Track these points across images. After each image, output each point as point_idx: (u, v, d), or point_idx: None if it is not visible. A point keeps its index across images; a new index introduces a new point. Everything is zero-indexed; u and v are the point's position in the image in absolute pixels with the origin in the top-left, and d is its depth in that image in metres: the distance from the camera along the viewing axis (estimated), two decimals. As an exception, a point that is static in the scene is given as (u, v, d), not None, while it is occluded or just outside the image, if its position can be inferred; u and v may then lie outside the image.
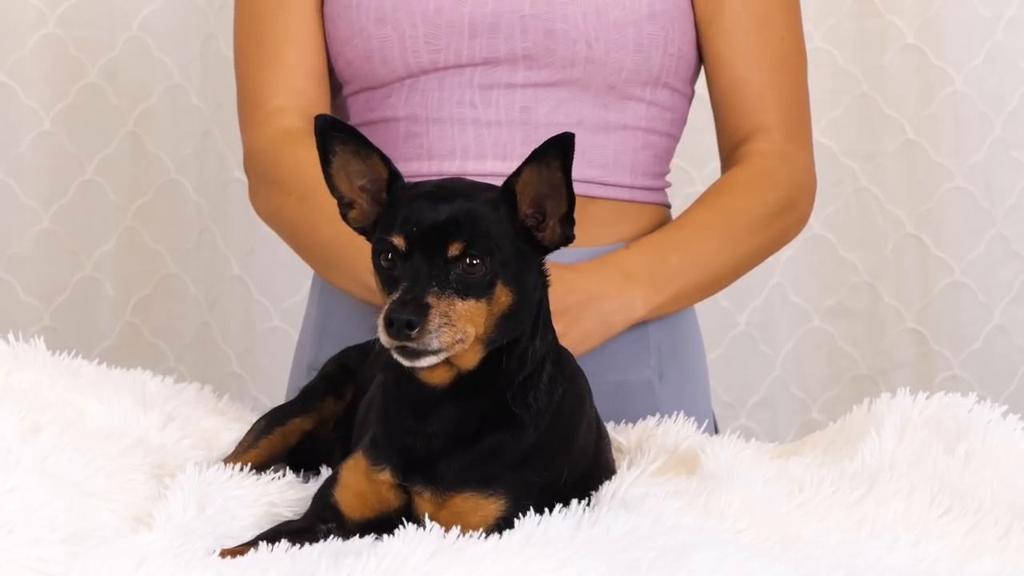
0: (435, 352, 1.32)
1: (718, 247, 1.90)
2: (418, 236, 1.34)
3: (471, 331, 1.33)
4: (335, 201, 1.71)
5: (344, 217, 1.43)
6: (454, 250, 1.33)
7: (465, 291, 1.33)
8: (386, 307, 1.31)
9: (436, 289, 1.32)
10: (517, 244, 1.37)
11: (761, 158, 1.96)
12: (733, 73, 1.98)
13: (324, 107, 1.98)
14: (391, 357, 1.37)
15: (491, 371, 1.37)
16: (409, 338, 1.30)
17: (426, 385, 1.37)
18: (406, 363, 1.33)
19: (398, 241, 1.34)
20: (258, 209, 2.00)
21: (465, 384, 1.37)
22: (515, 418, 1.37)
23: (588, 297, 1.79)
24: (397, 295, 1.32)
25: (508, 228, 1.37)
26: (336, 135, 1.40)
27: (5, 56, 2.93)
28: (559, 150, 1.35)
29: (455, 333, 1.32)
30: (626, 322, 1.83)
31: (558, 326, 1.50)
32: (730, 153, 2.01)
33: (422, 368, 1.35)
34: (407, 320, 1.30)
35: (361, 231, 1.44)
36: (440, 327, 1.31)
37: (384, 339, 1.31)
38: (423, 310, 1.30)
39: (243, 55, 2.01)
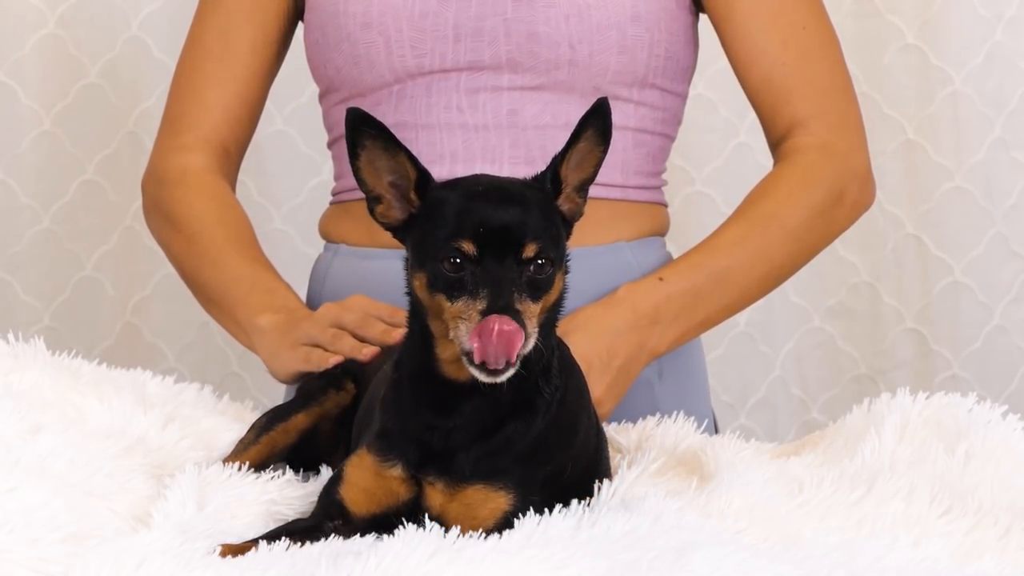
0: (517, 363, 1.30)
1: (751, 265, 1.89)
2: (488, 238, 1.32)
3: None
4: (218, 246, 1.92)
5: (372, 212, 1.41)
6: (529, 251, 1.32)
7: (534, 294, 1.33)
8: (478, 313, 1.29)
9: (517, 295, 1.31)
10: (563, 230, 1.39)
11: (802, 155, 1.94)
12: (758, 72, 1.97)
13: (238, 142, 2.08)
14: (405, 355, 1.39)
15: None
16: None
17: (450, 380, 1.37)
18: (485, 379, 1.30)
19: (468, 247, 1.32)
20: (150, 228, 2.11)
21: None
22: (533, 407, 1.37)
23: (627, 359, 1.79)
24: (484, 300, 1.29)
25: (557, 215, 1.39)
26: (366, 130, 1.39)
27: (5, 56, 2.93)
28: (593, 115, 1.39)
29: (535, 338, 1.31)
30: (649, 361, 1.85)
31: (599, 389, 1.66)
32: (774, 149, 2.00)
33: (496, 382, 1.31)
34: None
35: (388, 227, 1.42)
36: (531, 334, 1.30)
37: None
38: (520, 317, 1.29)
39: (177, 76, 2.11)
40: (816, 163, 1.94)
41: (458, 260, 1.32)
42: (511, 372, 1.30)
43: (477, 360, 1.29)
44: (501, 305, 1.29)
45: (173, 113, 2.09)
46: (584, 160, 1.41)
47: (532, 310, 1.32)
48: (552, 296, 1.36)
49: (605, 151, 1.41)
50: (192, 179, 2.03)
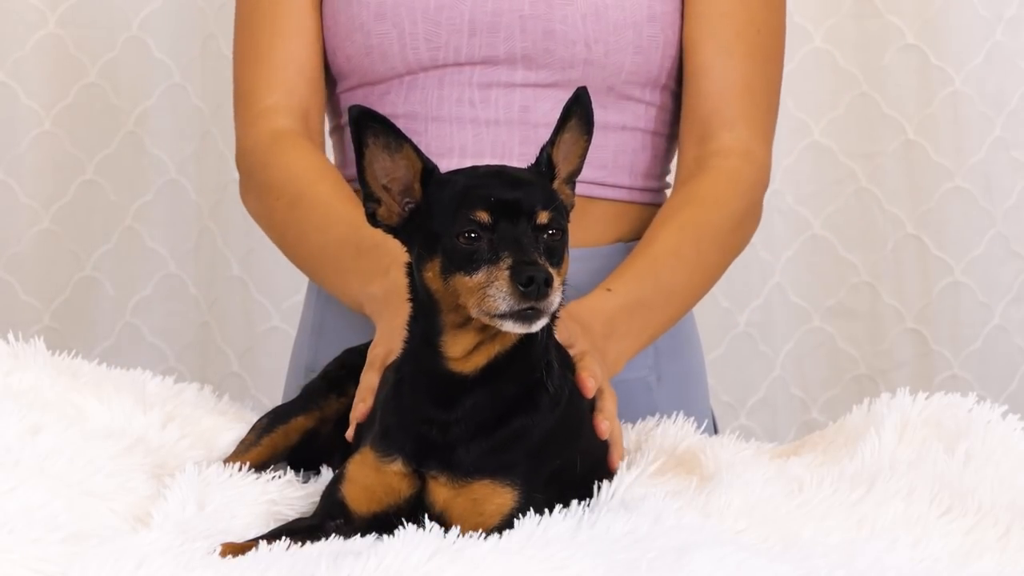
0: (550, 313, 1.31)
1: (690, 275, 1.85)
2: (501, 207, 1.33)
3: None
4: (323, 207, 1.80)
5: (371, 215, 1.41)
6: (543, 218, 1.33)
7: (551, 260, 1.33)
8: (506, 269, 1.29)
9: (538, 255, 1.31)
10: (565, 212, 1.40)
11: (726, 161, 1.91)
12: (702, 56, 1.94)
13: (316, 106, 1.98)
14: (406, 358, 1.39)
15: (520, 354, 1.37)
16: (545, 296, 1.28)
17: (455, 375, 1.37)
18: (520, 329, 1.31)
19: (482, 215, 1.32)
20: (249, 208, 2.00)
21: (495, 370, 1.37)
22: (537, 402, 1.38)
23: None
24: (509, 259, 1.30)
25: (559, 196, 1.40)
26: (371, 126, 1.38)
27: (5, 56, 2.93)
28: (575, 103, 1.40)
29: (560, 295, 1.32)
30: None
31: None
32: (695, 146, 1.95)
33: (530, 330, 1.32)
34: (545, 277, 1.29)
35: (389, 230, 1.42)
36: (557, 289, 1.31)
37: (510, 302, 1.29)
38: (545, 269, 1.30)
39: (238, 51, 2.02)
40: (739, 169, 1.92)
41: (474, 233, 1.32)
42: (544, 321, 1.31)
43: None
44: (527, 261, 1.29)
45: (242, 88, 2.00)
46: (570, 152, 1.43)
47: (553, 272, 1.31)
48: (563, 272, 1.35)
49: (589, 140, 1.43)
50: (285, 140, 1.93)
